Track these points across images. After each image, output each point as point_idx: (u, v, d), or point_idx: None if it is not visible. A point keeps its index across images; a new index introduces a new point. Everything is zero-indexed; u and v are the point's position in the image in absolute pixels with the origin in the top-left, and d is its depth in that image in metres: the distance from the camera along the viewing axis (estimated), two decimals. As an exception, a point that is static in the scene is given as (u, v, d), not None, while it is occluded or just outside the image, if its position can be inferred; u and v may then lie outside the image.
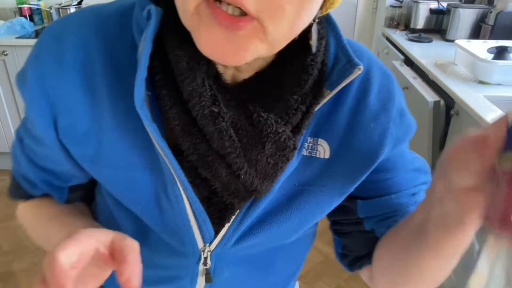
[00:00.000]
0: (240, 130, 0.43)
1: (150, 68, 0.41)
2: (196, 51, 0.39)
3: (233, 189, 0.45)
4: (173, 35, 0.41)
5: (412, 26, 2.51)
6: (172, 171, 0.44)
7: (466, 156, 0.35)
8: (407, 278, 0.49)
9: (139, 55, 0.40)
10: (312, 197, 0.49)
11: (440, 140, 1.72)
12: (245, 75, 0.45)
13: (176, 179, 0.45)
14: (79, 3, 2.69)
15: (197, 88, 0.40)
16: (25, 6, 2.68)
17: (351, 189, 0.51)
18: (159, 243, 0.52)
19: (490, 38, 2.07)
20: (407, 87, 1.92)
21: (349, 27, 3.05)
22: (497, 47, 1.73)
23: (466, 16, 2.25)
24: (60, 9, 2.60)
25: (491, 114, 1.36)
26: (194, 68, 0.41)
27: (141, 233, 0.52)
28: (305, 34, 0.43)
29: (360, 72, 0.44)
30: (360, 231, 0.55)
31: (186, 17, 0.38)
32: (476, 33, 2.25)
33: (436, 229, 0.41)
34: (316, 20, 0.42)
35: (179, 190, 0.45)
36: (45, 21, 2.78)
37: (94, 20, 0.45)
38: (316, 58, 0.45)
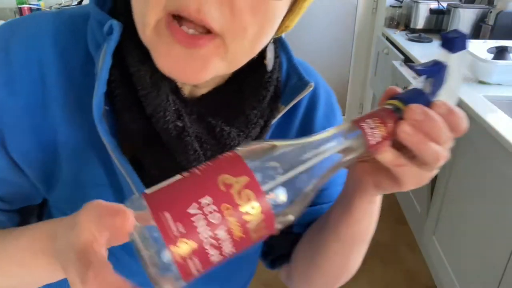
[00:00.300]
0: (204, 143, 0.43)
1: (108, 82, 0.41)
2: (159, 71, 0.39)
3: None
4: (135, 50, 0.40)
5: (412, 26, 2.51)
6: (133, 187, 0.42)
7: None
8: (318, 267, 0.54)
9: (98, 69, 0.40)
10: None
11: (440, 140, 1.72)
12: (203, 90, 0.46)
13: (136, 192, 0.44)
14: (79, 3, 2.69)
15: (161, 103, 0.40)
16: (25, 6, 2.68)
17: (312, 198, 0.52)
18: (115, 257, 0.49)
19: (490, 38, 2.07)
20: (407, 87, 1.92)
21: (349, 27, 3.05)
22: (497, 47, 1.72)
23: (466, 16, 2.25)
24: (57, 9, 2.60)
25: (491, 114, 1.36)
26: (158, 84, 0.40)
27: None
28: (261, 53, 0.44)
29: (311, 89, 0.48)
30: (288, 232, 0.57)
31: (145, 33, 0.37)
32: (476, 33, 2.25)
33: (335, 211, 0.48)
34: (271, 40, 0.45)
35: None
36: (45, 21, 2.78)
37: (46, 28, 0.43)
38: (272, 75, 0.48)
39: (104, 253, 0.29)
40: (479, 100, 1.47)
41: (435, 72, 0.39)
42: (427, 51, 2.14)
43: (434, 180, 1.80)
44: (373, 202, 0.45)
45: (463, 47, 0.36)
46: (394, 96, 0.38)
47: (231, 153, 0.31)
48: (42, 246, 0.38)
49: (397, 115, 0.35)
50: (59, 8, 2.60)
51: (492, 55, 1.71)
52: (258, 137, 0.47)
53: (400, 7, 2.64)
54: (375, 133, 0.34)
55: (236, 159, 0.30)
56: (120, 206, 0.29)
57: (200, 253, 0.28)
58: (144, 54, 0.40)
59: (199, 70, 0.37)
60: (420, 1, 2.45)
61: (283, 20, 0.43)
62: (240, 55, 0.39)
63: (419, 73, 0.39)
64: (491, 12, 2.16)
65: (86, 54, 0.43)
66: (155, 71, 0.40)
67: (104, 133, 0.40)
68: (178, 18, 0.35)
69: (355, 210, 0.45)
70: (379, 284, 1.89)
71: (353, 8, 3.00)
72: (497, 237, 1.34)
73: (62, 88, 0.42)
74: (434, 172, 0.39)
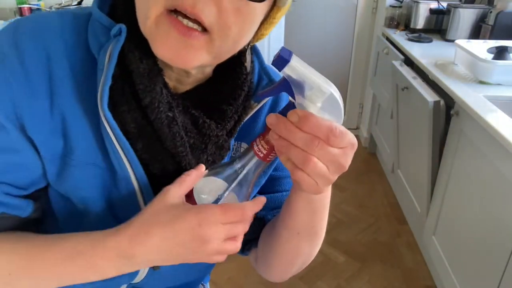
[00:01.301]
0: (188, 132, 0.51)
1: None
2: (154, 65, 0.47)
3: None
4: (135, 51, 0.47)
5: (412, 26, 2.51)
6: (129, 168, 0.49)
7: None
8: (274, 252, 0.61)
9: (103, 66, 0.46)
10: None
11: (440, 140, 1.72)
12: (186, 87, 0.54)
13: (132, 175, 0.50)
14: (79, 3, 2.69)
15: (156, 96, 0.47)
16: (25, 6, 2.68)
17: (262, 182, 0.62)
18: None
19: (490, 38, 2.07)
20: (407, 87, 1.92)
21: (349, 27, 3.05)
22: (497, 47, 1.72)
23: (466, 16, 2.24)
24: (60, 9, 2.60)
25: (491, 114, 1.36)
26: (154, 79, 0.47)
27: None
28: (237, 57, 0.54)
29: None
30: (254, 218, 0.60)
31: (145, 24, 0.44)
32: (476, 33, 2.25)
33: (284, 203, 0.56)
34: (249, 46, 0.55)
35: (133, 185, 0.51)
36: (45, 21, 2.78)
37: (54, 25, 0.49)
38: (247, 77, 0.55)
39: None
40: (479, 100, 1.47)
41: (283, 88, 0.42)
42: (427, 51, 2.14)
43: (434, 181, 1.80)
44: (310, 201, 0.51)
45: (284, 63, 0.39)
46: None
47: None
48: (113, 245, 0.46)
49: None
50: (58, 8, 2.60)
51: (492, 55, 1.71)
52: (232, 129, 0.55)
53: (400, 7, 2.64)
54: (260, 148, 0.45)
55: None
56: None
57: None
58: (142, 54, 0.47)
59: (189, 57, 0.45)
60: (420, 1, 2.45)
61: (259, 28, 0.50)
62: (223, 51, 0.47)
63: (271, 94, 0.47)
64: (491, 12, 2.16)
65: (86, 52, 0.49)
66: (151, 68, 0.47)
67: (109, 118, 0.46)
68: (174, 13, 0.42)
69: (293, 205, 0.53)
70: (379, 284, 1.89)
71: (353, 8, 3.00)
72: (497, 237, 1.34)
73: (66, 80, 0.48)
74: (322, 180, 0.43)
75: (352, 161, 0.46)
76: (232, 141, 0.58)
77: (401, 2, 2.64)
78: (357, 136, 3.26)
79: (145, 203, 0.51)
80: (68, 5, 2.62)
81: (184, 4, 0.41)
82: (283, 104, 0.61)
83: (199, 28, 0.43)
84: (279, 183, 0.65)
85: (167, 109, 0.48)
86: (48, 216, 0.57)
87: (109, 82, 0.45)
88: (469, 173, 1.53)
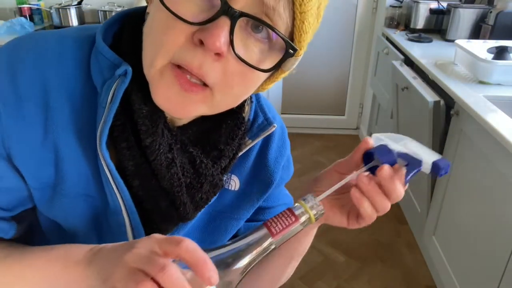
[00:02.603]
0: (185, 172, 0.51)
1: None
2: (157, 107, 0.46)
3: (169, 218, 0.53)
4: (139, 92, 0.47)
5: (412, 26, 2.50)
6: (121, 202, 0.49)
7: (331, 175, 0.53)
8: (258, 276, 0.64)
9: (106, 104, 0.46)
10: (223, 222, 0.60)
11: (440, 140, 1.72)
12: (183, 121, 0.53)
13: (124, 209, 0.50)
14: (79, 3, 2.69)
15: (157, 138, 0.47)
16: (25, 6, 2.68)
17: (250, 214, 0.63)
18: None
19: (490, 38, 2.07)
20: (407, 87, 1.92)
21: (349, 27, 3.05)
22: (497, 47, 1.72)
23: (466, 16, 2.24)
24: (60, 9, 2.60)
25: (491, 114, 1.36)
26: (156, 121, 0.47)
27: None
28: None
29: (274, 128, 0.58)
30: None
31: (149, 71, 0.44)
32: (476, 33, 2.25)
33: None
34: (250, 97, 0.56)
35: (123, 219, 0.51)
36: (45, 21, 2.78)
37: (52, 52, 0.48)
38: (246, 117, 0.56)
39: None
40: (479, 100, 1.47)
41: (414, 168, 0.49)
42: (427, 51, 2.14)
43: (434, 181, 1.80)
44: (316, 227, 0.57)
45: (443, 173, 0.47)
46: (368, 151, 0.51)
47: None
48: (76, 259, 0.45)
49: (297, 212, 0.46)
50: (58, 8, 2.60)
51: (492, 55, 1.71)
52: (226, 167, 0.56)
53: (400, 7, 2.63)
54: (277, 226, 0.46)
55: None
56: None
57: None
58: (146, 96, 0.46)
59: (188, 110, 0.45)
60: (420, 1, 2.45)
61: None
62: (222, 105, 0.47)
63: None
64: (491, 12, 2.16)
65: (87, 81, 0.48)
66: (154, 110, 0.47)
67: (107, 158, 0.46)
68: (178, 67, 0.42)
69: (302, 234, 0.50)
70: (379, 284, 1.89)
71: (353, 8, 3.00)
72: (497, 237, 1.34)
73: (64, 111, 0.47)
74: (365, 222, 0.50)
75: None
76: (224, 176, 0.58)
77: (401, 2, 2.64)
78: (357, 136, 3.26)
79: (134, 237, 0.52)
80: (68, 5, 2.62)
81: (191, 64, 0.41)
82: (275, 138, 0.61)
83: (201, 83, 0.43)
84: (263, 212, 0.67)
85: (167, 151, 0.49)
86: (37, 233, 0.57)
87: (110, 123, 0.45)
88: (469, 173, 1.53)
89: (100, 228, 0.53)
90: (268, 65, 0.44)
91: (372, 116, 2.97)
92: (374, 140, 0.51)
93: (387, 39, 2.57)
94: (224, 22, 0.39)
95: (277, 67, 0.44)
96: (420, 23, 2.48)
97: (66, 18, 2.61)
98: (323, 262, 2.00)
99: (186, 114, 0.46)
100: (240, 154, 0.57)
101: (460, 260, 1.58)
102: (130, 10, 0.53)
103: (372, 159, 0.49)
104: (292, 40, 0.43)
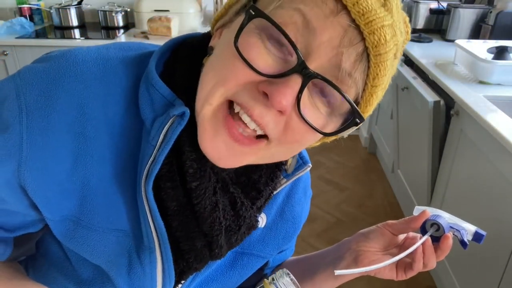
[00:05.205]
0: (226, 214, 0.48)
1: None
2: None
3: (202, 258, 0.50)
4: (191, 133, 0.43)
5: (412, 26, 2.50)
6: (156, 241, 0.47)
7: (383, 235, 0.57)
8: None
9: (156, 143, 0.42)
10: (249, 260, 0.59)
11: (440, 140, 1.72)
12: None
13: (158, 247, 0.47)
14: (79, 3, 2.69)
15: (204, 182, 0.44)
16: (25, 6, 2.68)
17: (275, 253, 0.63)
18: None
19: (490, 38, 2.07)
20: (407, 87, 1.92)
21: (349, 27, 3.04)
22: (497, 47, 1.72)
23: (466, 16, 2.25)
24: (60, 9, 2.60)
25: (491, 114, 1.36)
26: (204, 165, 0.44)
27: (98, 283, 0.52)
28: None
29: (309, 169, 0.56)
30: (260, 275, 0.66)
31: (203, 109, 0.41)
32: (476, 33, 2.25)
33: (325, 271, 0.60)
34: None
35: (155, 257, 0.48)
36: (45, 21, 2.78)
37: (94, 75, 0.44)
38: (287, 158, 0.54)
39: None
40: (479, 100, 1.47)
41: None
42: (427, 51, 2.13)
43: (434, 180, 1.80)
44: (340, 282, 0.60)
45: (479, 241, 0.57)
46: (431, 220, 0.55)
47: None
48: None
49: None
50: (58, 8, 2.59)
51: (492, 55, 1.71)
52: (261, 207, 0.54)
53: (400, 7, 2.63)
54: None
55: None
56: None
57: None
58: (196, 138, 0.43)
59: (233, 161, 0.42)
60: (420, 1, 2.45)
61: None
62: (275, 158, 0.45)
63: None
64: (491, 12, 2.16)
65: (132, 112, 0.44)
66: (203, 156, 0.43)
67: (151, 198, 0.43)
68: (232, 111, 0.40)
69: (341, 280, 0.58)
70: (379, 284, 1.89)
71: (353, 8, 2.99)
72: (497, 237, 1.34)
73: (102, 141, 0.44)
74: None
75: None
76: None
77: (401, 2, 2.64)
78: (357, 136, 3.26)
79: (164, 274, 0.50)
80: (68, 5, 2.62)
81: (251, 109, 0.38)
82: (302, 180, 0.62)
83: (255, 135, 0.40)
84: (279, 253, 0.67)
85: (212, 194, 0.46)
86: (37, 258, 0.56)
87: (160, 164, 0.42)
88: (469, 173, 1.53)
89: (130, 264, 0.50)
90: (330, 128, 0.42)
91: (372, 116, 2.97)
92: (417, 211, 0.56)
93: (387, 39, 2.57)
94: (295, 82, 0.37)
95: (339, 132, 0.42)
96: (420, 23, 2.48)
97: (66, 18, 2.61)
98: (323, 262, 1.99)
99: (232, 165, 0.43)
100: (276, 193, 0.55)
101: (460, 260, 1.58)
102: (185, 37, 0.50)
103: (424, 227, 0.55)
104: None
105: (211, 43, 0.45)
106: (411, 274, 0.55)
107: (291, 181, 0.56)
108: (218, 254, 0.50)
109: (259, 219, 0.55)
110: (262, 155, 0.43)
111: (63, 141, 0.42)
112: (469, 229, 0.55)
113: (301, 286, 0.57)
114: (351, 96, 0.40)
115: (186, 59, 0.47)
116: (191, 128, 0.43)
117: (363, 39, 0.37)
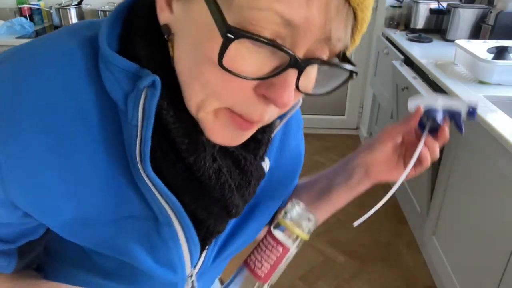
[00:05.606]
0: (232, 175, 0.48)
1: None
2: (195, 124, 0.42)
3: (221, 221, 0.51)
4: (171, 108, 0.41)
5: (412, 26, 2.50)
6: (173, 216, 0.46)
7: (385, 143, 0.58)
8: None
9: (137, 122, 0.40)
10: (265, 206, 0.60)
11: (440, 140, 1.72)
12: None
13: (176, 221, 0.47)
14: (79, 3, 2.69)
15: (200, 154, 0.43)
16: (25, 6, 2.68)
17: (290, 191, 0.65)
18: (145, 277, 0.52)
19: (490, 38, 2.07)
20: (407, 87, 1.92)
21: (349, 27, 3.05)
22: (497, 47, 1.72)
23: (466, 16, 2.24)
24: (60, 9, 2.60)
25: (491, 114, 1.36)
26: (195, 138, 0.43)
27: (124, 270, 0.52)
28: None
29: (300, 103, 0.54)
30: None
31: (198, 114, 0.40)
32: (476, 33, 2.25)
33: (339, 189, 0.63)
34: None
35: (175, 229, 0.48)
36: (45, 21, 2.78)
37: (57, 62, 0.40)
38: None
39: None
40: (479, 100, 1.47)
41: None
42: (427, 51, 2.13)
43: (434, 180, 1.80)
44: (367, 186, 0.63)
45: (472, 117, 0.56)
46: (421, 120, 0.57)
47: None
48: None
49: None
50: (58, 8, 2.60)
51: (492, 55, 1.71)
52: (264, 153, 0.53)
53: (400, 7, 2.63)
54: (263, 265, 0.40)
55: None
56: None
57: None
58: (179, 112, 0.41)
59: (240, 141, 0.44)
60: (420, 1, 2.45)
61: None
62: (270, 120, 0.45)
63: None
64: (491, 12, 2.16)
65: (101, 96, 0.41)
66: (192, 127, 0.42)
67: (154, 177, 0.42)
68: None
69: (356, 192, 0.63)
70: (379, 284, 1.89)
71: (353, 8, 2.99)
72: (497, 237, 1.34)
73: (83, 134, 0.41)
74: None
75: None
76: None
77: (401, 2, 2.64)
78: (357, 136, 3.26)
79: (188, 245, 0.50)
80: (68, 5, 2.63)
81: (252, 116, 0.39)
82: (294, 115, 0.61)
83: None
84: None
85: (212, 162, 0.45)
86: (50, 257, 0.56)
87: (149, 142, 0.40)
88: (469, 173, 1.53)
89: (151, 244, 0.49)
90: (325, 87, 0.43)
91: (372, 116, 2.97)
92: (412, 105, 0.58)
93: (387, 39, 2.57)
94: (292, 76, 0.36)
95: (335, 90, 0.43)
96: (420, 23, 2.48)
97: (66, 18, 2.61)
98: (323, 262, 2.00)
99: (237, 144, 0.44)
100: (272, 136, 0.54)
101: (460, 260, 1.58)
102: (129, 2, 0.45)
103: (422, 122, 0.57)
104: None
105: (163, 19, 0.40)
106: (420, 170, 0.58)
107: (285, 120, 0.55)
108: (236, 213, 0.50)
109: (263, 165, 0.55)
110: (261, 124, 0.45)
111: (40, 143, 0.39)
112: (462, 108, 0.56)
113: (318, 207, 0.64)
114: (341, 48, 0.40)
115: (142, 31, 0.42)
116: (168, 98, 0.41)
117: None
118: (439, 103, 0.56)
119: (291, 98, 0.37)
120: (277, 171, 0.60)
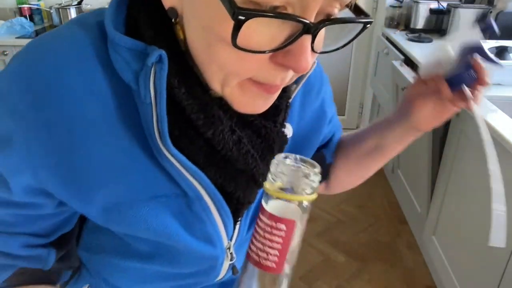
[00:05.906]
0: (255, 145, 0.49)
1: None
2: (209, 98, 0.43)
3: (250, 191, 0.51)
4: (183, 85, 0.42)
5: (412, 26, 2.50)
6: (202, 191, 0.47)
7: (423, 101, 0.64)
8: (360, 172, 0.71)
9: (151, 100, 0.41)
10: None
11: (440, 140, 1.72)
12: None
13: (206, 195, 0.48)
14: (79, 3, 2.69)
15: (218, 127, 0.44)
16: (25, 6, 2.68)
17: (312, 153, 0.64)
18: (184, 256, 0.53)
19: (490, 38, 2.07)
20: (407, 87, 1.92)
21: (349, 27, 3.05)
22: (497, 47, 1.73)
23: (466, 16, 2.24)
24: (60, 9, 2.60)
25: (491, 114, 1.36)
26: (210, 112, 0.43)
27: (162, 251, 0.53)
28: None
29: (315, 65, 0.55)
30: (322, 163, 0.67)
31: (223, 89, 0.41)
32: (476, 33, 2.24)
33: (393, 143, 0.64)
34: None
35: (206, 203, 0.48)
36: (45, 21, 2.78)
37: (68, 57, 0.41)
38: None
39: None
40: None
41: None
42: (427, 51, 2.13)
43: (434, 180, 1.80)
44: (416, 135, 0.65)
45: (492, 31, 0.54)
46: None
47: None
48: None
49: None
50: (58, 8, 2.60)
51: (492, 55, 1.71)
52: (284, 118, 0.53)
53: (400, 7, 2.64)
54: (269, 255, 0.31)
55: None
56: None
57: None
58: (190, 88, 0.42)
59: (266, 107, 0.45)
60: (420, 1, 2.45)
61: None
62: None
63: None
64: (491, 12, 2.16)
65: (115, 81, 0.42)
66: (206, 102, 0.43)
67: (177, 154, 0.42)
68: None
69: (407, 141, 0.64)
70: (379, 284, 1.90)
71: (353, 8, 2.99)
72: (497, 237, 1.33)
73: (106, 120, 0.42)
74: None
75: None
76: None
77: (401, 2, 2.64)
78: (357, 136, 3.26)
79: (221, 217, 0.51)
80: (68, 5, 2.62)
81: (273, 82, 0.41)
82: (313, 74, 0.60)
83: None
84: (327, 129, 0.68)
85: (231, 134, 0.46)
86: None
87: (165, 119, 0.41)
88: (469, 173, 1.53)
89: (185, 219, 0.49)
90: (341, 41, 0.42)
91: (372, 116, 2.97)
92: (440, 49, 0.58)
93: (387, 39, 2.57)
94: (307, 41, 0.37)
95: (351, 41, 0.42)
96: (420, 23, 2.48)
97: (66, 18, 2.61)
98: (323, 262, 2.00)
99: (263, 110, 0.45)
100: (290, 101, 0.54)
101: (460, 260, 1.58)
102: None
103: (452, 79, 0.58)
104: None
105: (169, 2, 0.40)
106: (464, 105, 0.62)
107: (301, 83, 0.54)
108: (263, 182, 0.49)
109: (286, 131, 0.55)
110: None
111: (63, 130, 0.40)
112: (476, 39, 0.55)
113: (373, 158, 0.66)
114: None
115: (146, 13, 0.43)
116: (178, 76, 0.41)
117: None
118: (463, 42, 0.55)
119: (310, 62, 0.37)
120: (300, 135, 0.59)
